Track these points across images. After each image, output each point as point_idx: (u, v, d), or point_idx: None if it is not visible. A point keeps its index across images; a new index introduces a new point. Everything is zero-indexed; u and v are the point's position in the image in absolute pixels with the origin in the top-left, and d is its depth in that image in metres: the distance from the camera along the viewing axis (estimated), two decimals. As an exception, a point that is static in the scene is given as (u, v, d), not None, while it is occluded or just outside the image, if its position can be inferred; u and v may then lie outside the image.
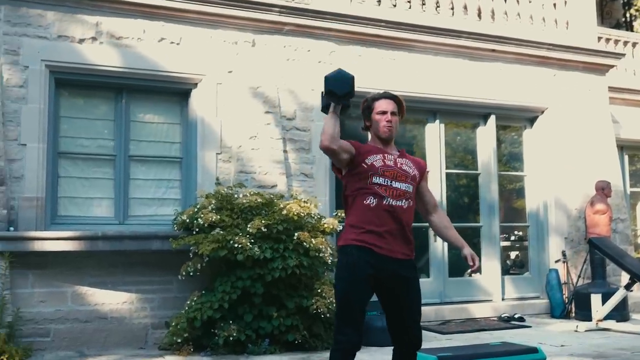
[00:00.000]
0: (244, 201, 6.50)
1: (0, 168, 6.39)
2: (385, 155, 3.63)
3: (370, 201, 3.49)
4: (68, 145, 7.01)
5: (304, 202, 6.73)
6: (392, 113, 3.68)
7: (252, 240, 6.19)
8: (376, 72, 8.17)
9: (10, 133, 6.53)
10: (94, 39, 6.93)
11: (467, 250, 3.59)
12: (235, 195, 6.66)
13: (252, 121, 7.47)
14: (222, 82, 7.41)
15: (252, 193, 6.64)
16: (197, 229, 6.40)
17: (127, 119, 7.22)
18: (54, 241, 6.33)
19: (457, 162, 9.14)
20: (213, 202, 6.55)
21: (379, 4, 8.42)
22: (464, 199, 9.20)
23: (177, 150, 7.47)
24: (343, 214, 6.30)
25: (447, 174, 8.84)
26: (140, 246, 6.58)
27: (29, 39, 6.67)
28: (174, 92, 7.46)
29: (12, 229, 6.40)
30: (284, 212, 6.37)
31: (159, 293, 6.89)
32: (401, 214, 3.51)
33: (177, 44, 7.27)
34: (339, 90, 3.39)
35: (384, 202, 3.49)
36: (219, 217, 6.34)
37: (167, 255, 6.59)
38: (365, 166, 3.55)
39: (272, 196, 6.84)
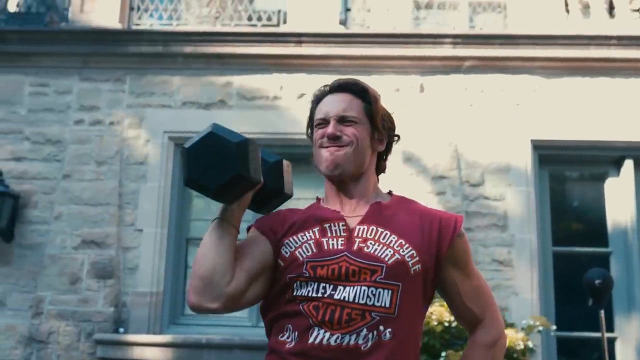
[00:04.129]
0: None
1: (110, 258, 5.52)
2: (330, 224, 1.66)
3: (288, 337, 1.57)
4: (200, 230, 5.91)
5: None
6: (341, 119, 1.72)
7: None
8: (611, 114, 5.61)
9: (127, 217, 5.66)
10: (222, 102, 5.84)
11: None
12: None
13: (418, 190, 5.55)
14: (378, 142, 5.68)
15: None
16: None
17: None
18: (158, 348, 5.17)
19: None
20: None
21: (611, 14, 5.90)
22: None
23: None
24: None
25: None
26: (251, 359, 5.05)
27: (152, 110, 5.85)
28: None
29: (121, 330, 5.42)
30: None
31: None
32: None
33: (322, 98, 5.79)
34: (209, 180, 1.60)
35: (310, 341, 1.54)
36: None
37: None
38: (283, 263, 1.63)
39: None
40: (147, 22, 6.17)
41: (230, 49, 5.88)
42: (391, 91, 5.77)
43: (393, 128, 1.85)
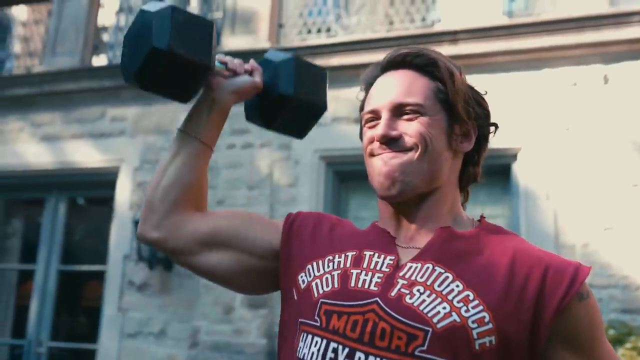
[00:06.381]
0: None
1: (262, 286, 5.26)
2: (374, 252, 1.12)
3: None
4: (356, 254, 5.46)
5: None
6: (397, 110, 1.16)
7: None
8: None
9: (279, 243, 5.38)
10: (372, 115, 5.37)
11: None
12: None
13: (605, 203, 4.59)
14: (552, 148, 4.81)
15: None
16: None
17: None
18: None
19: None
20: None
21: None
22: None
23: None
24: None
25: None
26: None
27: (301, 128, 5.54)
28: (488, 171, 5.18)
29: (276, 363, 5.11)
30: None
31: None
32: None
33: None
34: (130, 62, 1.17)
35: None
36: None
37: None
38: (296, 295, 1.15)
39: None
40: (295, 39, 5.92)
41: (380, 57, 5.38)
42: (568, 86, 4.88)
43: (486, 114, 1.20)
